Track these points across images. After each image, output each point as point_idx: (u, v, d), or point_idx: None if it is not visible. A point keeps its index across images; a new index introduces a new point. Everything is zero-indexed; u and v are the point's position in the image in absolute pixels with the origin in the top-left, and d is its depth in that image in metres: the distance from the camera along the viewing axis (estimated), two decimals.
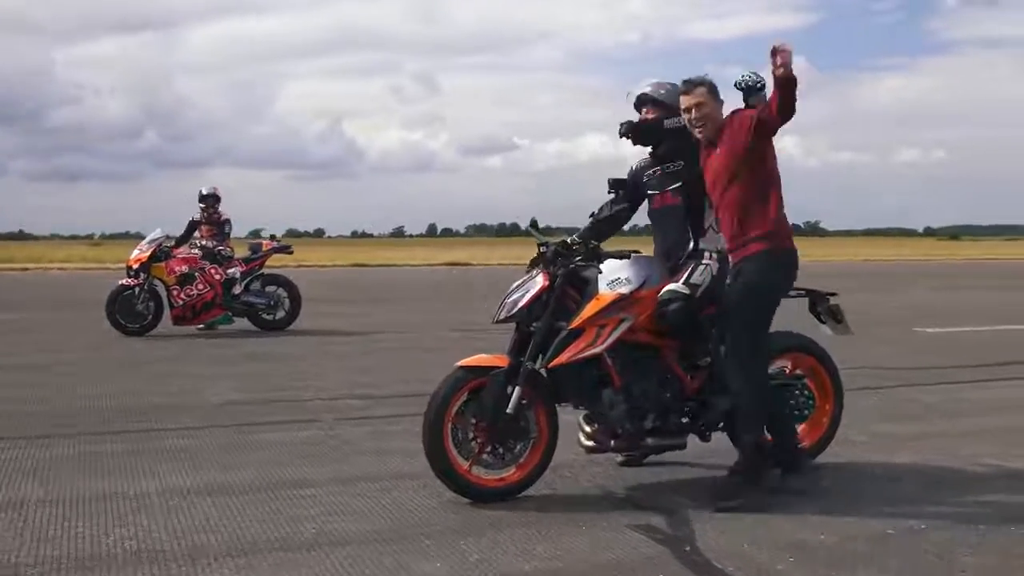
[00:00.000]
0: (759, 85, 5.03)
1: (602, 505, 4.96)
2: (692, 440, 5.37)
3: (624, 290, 5.01)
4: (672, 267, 5.22)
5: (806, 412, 5.60)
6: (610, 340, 4.97)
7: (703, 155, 5.14)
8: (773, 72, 4.59)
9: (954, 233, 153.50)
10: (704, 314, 5.13)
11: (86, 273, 32.98)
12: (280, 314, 13.66)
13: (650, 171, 5.46)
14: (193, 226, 13.89)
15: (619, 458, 5.67)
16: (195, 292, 13.10)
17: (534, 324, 5.04)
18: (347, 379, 9.24)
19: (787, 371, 5.61)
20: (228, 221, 14.03)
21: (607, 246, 5.26)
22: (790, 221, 5.21)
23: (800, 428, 5.58)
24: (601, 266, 5.07)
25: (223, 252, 13.57)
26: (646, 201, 5.55)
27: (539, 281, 5.06)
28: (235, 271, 13.39)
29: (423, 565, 4.07)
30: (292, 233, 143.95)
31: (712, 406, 5.20)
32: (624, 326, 5.00)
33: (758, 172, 4.95)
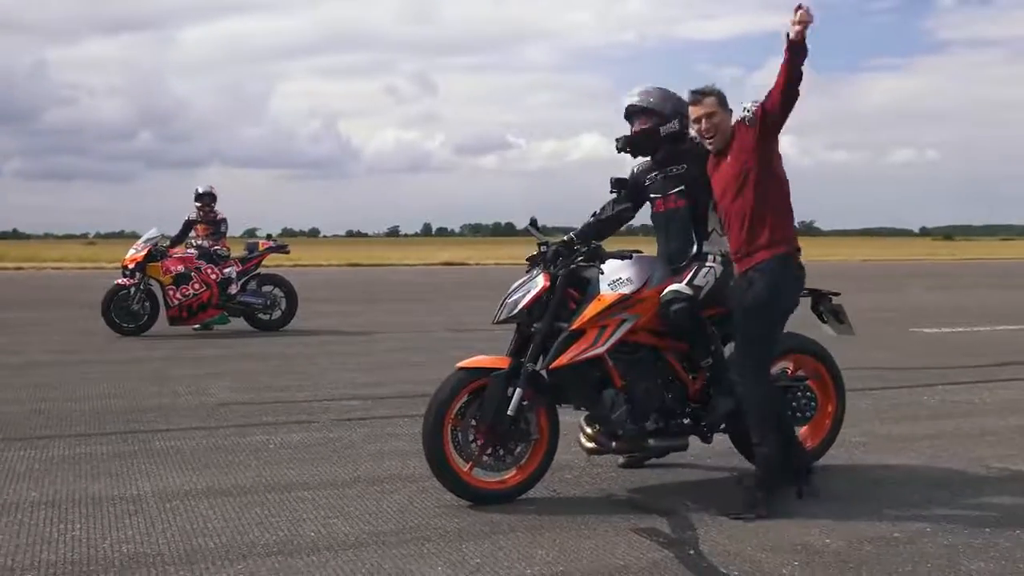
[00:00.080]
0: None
1: (604, 508, 4.92)
2: (693, 441, 5.33)
3: (626, 290, 4.97)
4: (675, 270, 5.17)
5: (808, 414, 5.55)
6: (611, 341, 4.93)
7: (711, 163, 5.08)
8: (791, 31, 4.53)
9: (948, 233, 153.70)
10: (707, 315, 5.09)
11: (81, 273, 32.90)
12: (276, 314, 13.60)
13: (652, 174, 5.40)
14: (189, 225, 13.82)
15: (620, 459, 5.63)
16: (191, 292, 13.04)
17: (535, 325, 4.99)
18: (345, 379, 9.19)
19: (788, 372, 5.57)
20: (224, 220, 13.98)
21: (607, 245, 5.22)
22: None
23: (802, 430, 5.54)
24: (602, 266, 5.02)
25: (219, 252, 13.51)
26: (648, 204, 5.50)
27: (540, 282, 5.01)
28: (231, 271, 13.32)
29: (424, 569, 4.03)
30: (287, 233, 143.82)
31: (714, 407, 5.16)
32: (625, 327, 4.96)
33: (767, 180, 4.90)
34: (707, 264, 5.12)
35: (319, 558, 4.15)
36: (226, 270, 13.29)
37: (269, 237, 15.66)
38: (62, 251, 51.29)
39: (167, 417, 7.28)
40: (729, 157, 4.95)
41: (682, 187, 5.25)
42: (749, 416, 4.97)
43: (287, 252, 14.69)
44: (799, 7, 4.53)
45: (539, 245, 5.24)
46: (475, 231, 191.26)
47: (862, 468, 5.78)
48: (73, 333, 13.28)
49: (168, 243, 13.45)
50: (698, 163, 5.17)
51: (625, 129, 5.36)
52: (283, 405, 7.80)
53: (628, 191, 5.53)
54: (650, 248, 5.45)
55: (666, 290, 5.00)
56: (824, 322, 5.68)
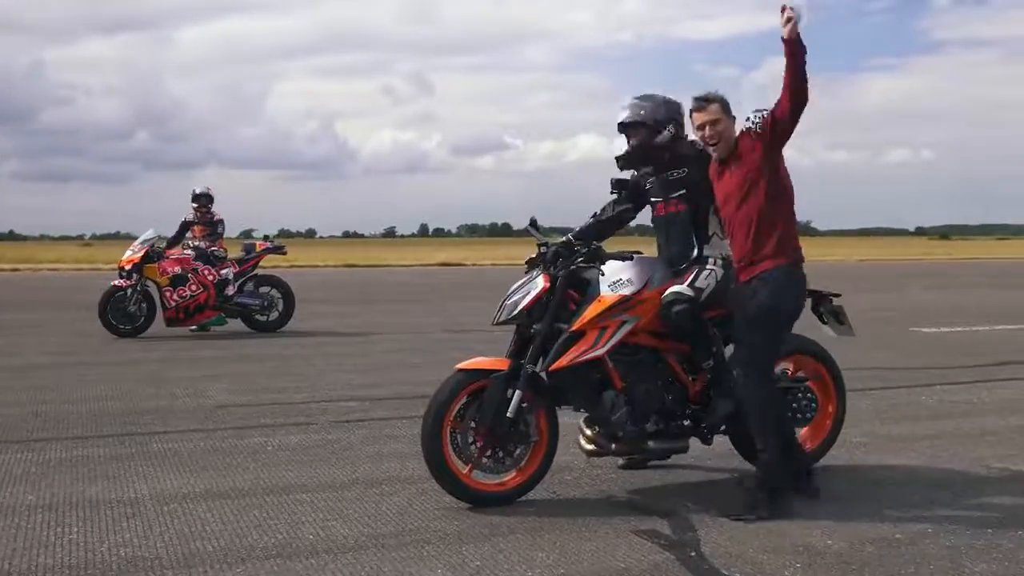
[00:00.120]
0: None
1: (605, 509, 4.89)
2: (693, 442, 5.30)
3: (626, 292, 4.94)
4: (676, 272, 5.14)
5: (808, 415, 5.54)
6: (611, 343, 4.91)
7: (713, 169, 5.06)
8: (783, 31, 4.55)
9: (944, 232, 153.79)
10: (708, 317, 5.07)
11: (77, 274, 32.85)
12: (274, 315, 13.57)
13: (653, 177, 5.38)
14: (186, 227, 13.79)
15: (620, 461, 5.61)
16: (188, 293, 13.00)
17: (534, 326, 4.97)
18: (342, 381, 9.16)
19: (789, 373, 5.54)
20: (221, 221, 13.94)
21: (607, 246, 5.19)
22: None
23: (803, 431, 5.53)
24: (603, 267, 4.99)
25: (216, 253, 13.47)
26: (648, 207, 5.47)
27: (539, 283, 4.98)
28: (228, 272, 13.29)
29: (424, 572, 4.00)
30: (284, 233, 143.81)
31: (714, 409, 5.14)
32: (625, 328, 4.93)
33: (773, 190, 4.88)
34: (708, 266, 5.10)
35: (318, 561, 4.13)
36: (223, 271, 13.26)
37: (266, 238, 15.62)
38: (58, 252, 51.24)
39: (164, 419, 7.25)
40: (733, 165, 4.92)
41: (683, 191, 5.23)
42: (751, 418, 4.95)
43: (284, 253, 14.67)
44: (783, 7, 4.54)
45: (539, 246, 5.21)
46: (472, 232, 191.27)
47: (863, 469, 5.76)
48: (70, 335, 13.24)
49: (165, 244, 13.42)
50: (699, 166, 5.14)
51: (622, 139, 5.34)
52: (281, 407, 7.77)
53: (629, 193, 5.50)
54: (649, 249, 5.42)
55: (668, 291, 4.97)
56: (824, 323, 5.66)
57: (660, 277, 5.07)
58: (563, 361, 4.87)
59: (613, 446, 5.11)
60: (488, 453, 4.90)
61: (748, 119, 4.91)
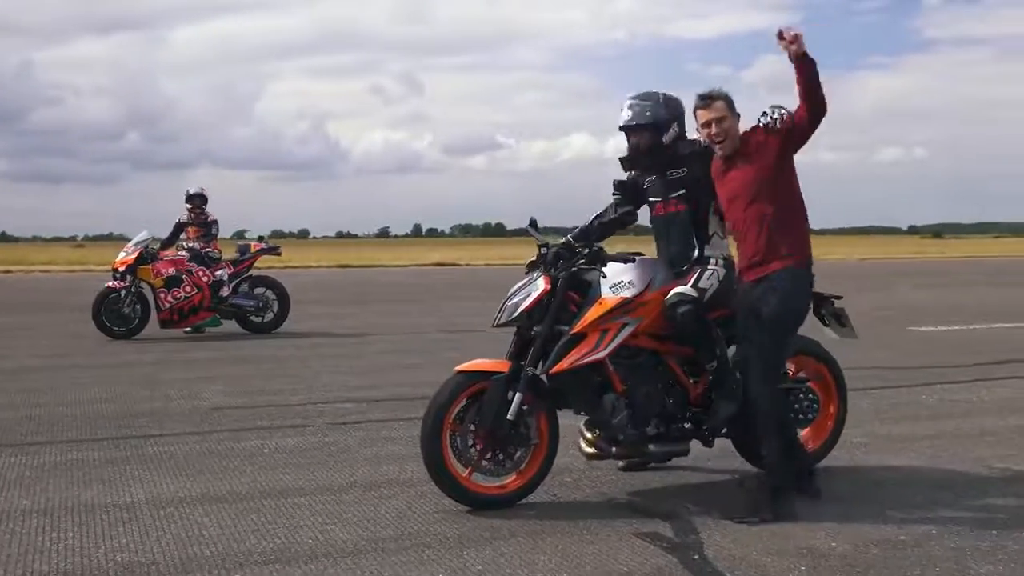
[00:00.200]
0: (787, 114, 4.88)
1: (606, 512, 4.85)
2: (694, 443, 5.26)
3: (628, 294, 4.89)
4: (678, 273, 5.09)
5: (810, 416, 5.51)
6: (612, 346, 4.86)
7: (717, 167, 5.01)
8: (789, 54, 4.54)
9: (937, 231, 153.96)
10: (711, 318, 5.03)
11: (70, 275, 32.74)
12: (269, 316, 13.52)
13: (651, 178, 5.31)
14: (180, 228, 13.73)
15: (620, 463, 5.56)
16: (182, 295, 12.94)
17: (535, 328, 4.92)
18: (338, 382, 9.11)
19: (790, 374, 5.50)
20: (215, 222, 13.89)
21: (607, 246, 5.15)
22: None
23: (805, 432, 5.49)
24: (604, 269, 4.94)
25: (210, 254, 13.41)
26: (647, 206, 5.42)
27: (540, 285, 4.93)
28: (223, 273, 13.22)
29: None
30: (276, 234, 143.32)
31: (716, 411, 5.09)
32: (627, 331, 4.89)
33: (782, 188, 4.85)
34: (710, 267, 5.06)
35: (317, 566, 4.08)
36: (218, 272, 13.20)
37: (261, 239, 15.58)
38: (50, 254, 51.08)
39: (159, 422, 7.20)
40: (741, 163, 4.88)
41: (683, 191, 5.17)
42: (759, 419, 4.90)
43: (279, 254, 14.62)
44: (780, 36, 4.54)
45: (539, 247, 5.16)
46: (465, 232, 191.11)
47: (864, 469, 5.73)
48: (63, 337, 13.18)
49: (159, 245, 13.36)
50: (699, 164, 5.10)
51: (620, 136, 5.29)
52: (277, 409, 7.72)
53: (627, 193, 5.44)
54: (648, 249, 5.38)
55: (671, 292, 4.93)
56: (826, 325, 5.62)
57: (662, 279, 5.03)
58: (564, 364, 4.83)
59: (614, 449, 5.07)
60: (488, 456, 4.85)
61: (764, 113, 4.85)
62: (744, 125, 4.96)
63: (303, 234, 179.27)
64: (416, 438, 4.97)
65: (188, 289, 12.96)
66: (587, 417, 5.17)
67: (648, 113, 5.15)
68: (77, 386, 8.90)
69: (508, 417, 4.78)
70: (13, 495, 5.20)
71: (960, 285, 25.65)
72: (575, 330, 4.86)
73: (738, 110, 4.95)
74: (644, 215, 5.49)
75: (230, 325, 13.49)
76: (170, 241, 13.61)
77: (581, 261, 4.97)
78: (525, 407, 4.83)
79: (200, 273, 13.08)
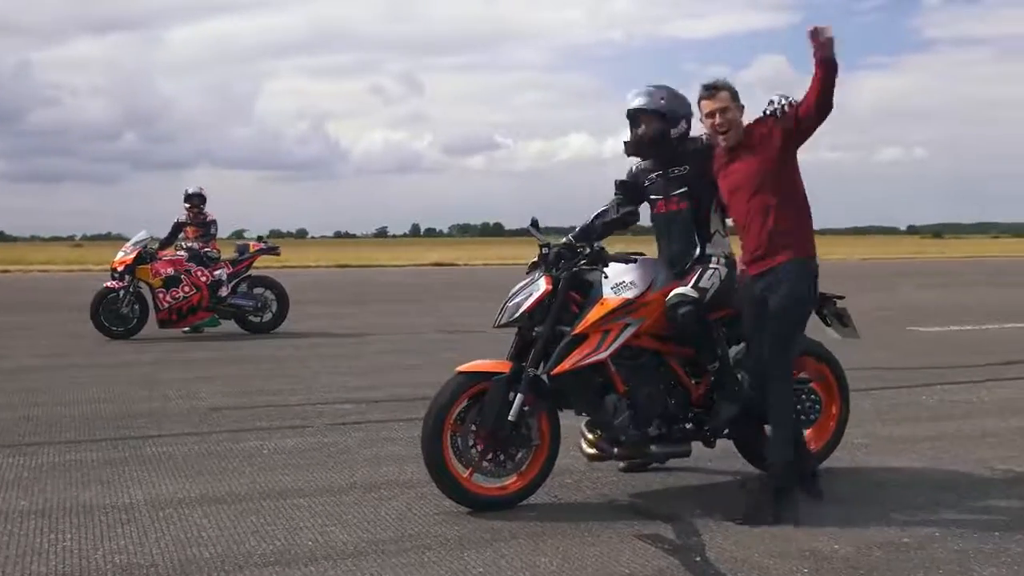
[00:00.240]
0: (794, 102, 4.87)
1: (607, 514, 4.83)
2: (695, 444, 5.23)
3: (630, 294, 4.87)
4: (678, 273, 5.07)
5: (812, 416, 5.49)
6: (614, 346, 4.84)
7: (719, 160, 4.99)
8: (815, 53, 4.53)
9: (937, 231, 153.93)
10: (712, 319, 5.00)
11: (69, 275, 32.69)
12: (267, 316, 13.48)
13: (652, 175, 5.27)
14: (178, 227, 13.69)
15: (621, 464, 5.53)
16: (181, 295, 12.91)
17: (536, 329, 4.90)
18: (338, 383, 9.08)
19: (792, 375, 5.47)
20: (214, 222, 13.85)
21: (608, 245, 5.12)
22: None
23: (807, 432, 5.46)
24: (606, 270, 4.92)
25: (209, 254, 13.38)
26: (647, 204, 5.38)
27: (542, 285, 4.91)
28: (222, 273, 13.19)
29: None
30: (275, 234, 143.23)
31: (717, 412, 5.07)
32: (628, 332, 4.86)
33: (784, 180, 4.83)
34: (712, 266, 5.03)
35: (317, 568, 4.06)
36: (216, 272, 13.16)
37: (260, 239, 15.56)
38: (49, 253, 51.03)
39: (158, 422, 7.17)
40: (744, 154, 4.86)
41: (684, 189, 5.13)
42: (772, 413, 4.88)
43: (278, 254, 14.58)
44: (815, 31, 4.51)
45: (540, 247, 5.13)
46: (464, 231, 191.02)
47: (865, 470, 5.71)
48: (61, 337, 13.14)
49: (157, 245, 13.33)
50: (699, 161, 5.07)
51: (621, 127, 5.25)
52: (276, 409, 7.69)
53: (628, 193, 5.40)
54: (648, 247, 5.35)
55: (672, 293, 4.90)
56: (828, 325, 5.60)
57: (664, 279, 5.00)
58: (566, 365, 4.80)
59: (615, 450, 5.04)
60: (489, 457, 4.83)
61: (771, 101, 4.83)
62: (747, 118, 4.94)
63: (301, 234, 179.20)
64: (416, 439, 4.95)
65: (187, 289, 12.92)
66: (588, 418, 5.15)
67: (662, 101, 5.09)
68: (75, 386, 8.87)
69: (509, 418, 4.75)
70: (11, 496, 5.17)
71: (960, 285, 25.61)
72: (577, 331, 4.84)
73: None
74: (644, 213, 5.45)
75: (229, 325, 13.46)
76: (169, 241, 13.58)
77: (583, 261, 4.95)
78: (526, 408, 4.81)
79: (199, 273, 13.04)
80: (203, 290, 12.99)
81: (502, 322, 4.97)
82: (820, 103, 4.64)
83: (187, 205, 13.69)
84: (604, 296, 4.88)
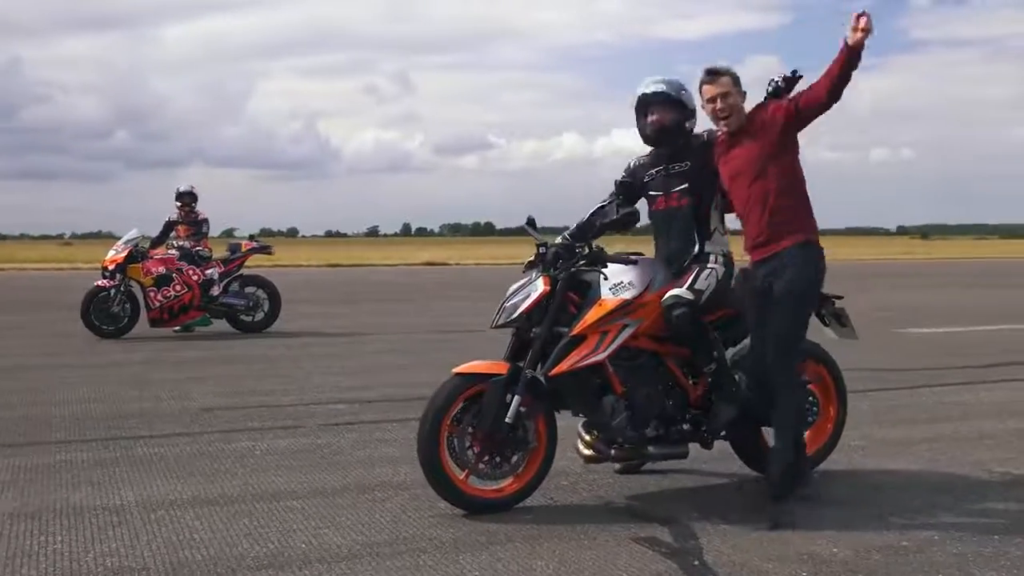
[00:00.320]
0: (798, 75, 4.84)
1: (604, 516, 4.78)
2: (691, 445, 5.19)
3: (628, 295, 4.82)
4: (676, 272, 5.03)
5: (809, 418, 5.45)
6: (612, 347, 4.80)
7: (721, 147, 4.95)
8: (850, 37, 4.47)
9: (924, 232, 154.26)
10: (709, 319, 4.97)
11: (59, 274, 32.57)
12: (259, 315, 13.43)
13: (652, 170, 5.22)
14: (170, 226, 13.64)
15: (617, 465, 5.49)
16: (172, 294, 12.84)
17: (534, 330, 4.85)
18: (330, 383, 9.03)
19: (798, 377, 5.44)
20: (206, 221, 13.80)
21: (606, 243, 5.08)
22: None
23: (805, 434, 5.42)
24: (604, 270, 4.87)
25: (201, 252, 13.32)
26: (646, 201, 5.33)
27: (539, 286, 4.86)
28: (213, 272, 13.13)
29: None
30: (266, 232, 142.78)
31: (715, 414, 5.03)
32: (627, 333, 4.82)
33: (785, 165, 4.80)
34: (708, 266, 4.99)
35: (311, 571, 4.01)
36: (208, 271, 13.10)
37: (251, 238, 15.50)
38: (38, 251, 50.87)
39: (149, 423, 7.11)
40: (746, 140, 4.83)
41: (685, 185, 5.10)
42: (777, 405, 4.84)
43: (270, 253, 14.52)
44: (863, 14, 4.45)
45: (538, 246, 5.08)
46: (455, 231, 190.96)
47: (863, 473, 5.67)
48: (51, 336, 13.07)
49: (148, 244, 13.27)
50: (699, 155, 5.04)
51: (623, 119, 5.22)
52: (268, 410, 7.63)
53: (626, 193, 5.33)
54: (647, 248, 5.31)
55: (667, 295, 4.86)
56: (826, 325, 5.57)
57: (662, 279, 4.96)
58: (564, 366, 4.76)
59: (612, 451, 5.01)
60: (485, 459, 4.78)
61: (772, 80, 4.83)
62: (748, 105, 4.91)
63: (292, 233, 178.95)
64: (409, 440, 4.90)
65: (178, 288, 12.86)
66: (585, 419, 5.11)
67: (683, 91, 5.08)
68: (65, 386, 8.80)
69: (506, 420, 4.70)
70: (0, 497, 5.11)
71: (950, 287, 25.64)
72: (575, 332, 4.80)
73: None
74: (642, 212, 5.39)
75: (220, 324, 13.41)
76: (160, 240, 13.52)
77: (581, 262, 4.90)
78: (523, 410, 4.76)
79: (190, 272, 12.98)
80: (194, 289, 12.93)
81: (500, 322, 4.92)
82: (834, 88, 4.59)
83: (178, 203, 13.64)
84: (602, 297, 4.83)
